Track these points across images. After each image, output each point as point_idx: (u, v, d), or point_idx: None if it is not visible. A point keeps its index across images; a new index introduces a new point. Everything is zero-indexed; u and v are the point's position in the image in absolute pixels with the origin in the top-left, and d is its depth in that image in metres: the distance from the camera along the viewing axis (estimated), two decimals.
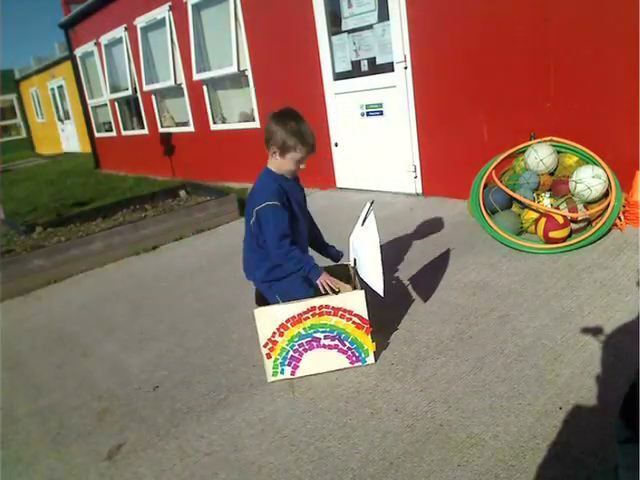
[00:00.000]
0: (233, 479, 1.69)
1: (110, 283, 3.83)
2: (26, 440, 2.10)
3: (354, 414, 1.89)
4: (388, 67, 4.39)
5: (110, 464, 1.87)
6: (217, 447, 1.85)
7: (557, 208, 3.04)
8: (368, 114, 4.72)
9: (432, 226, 3.68)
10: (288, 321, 2.09)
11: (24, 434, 2.14)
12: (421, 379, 2.02)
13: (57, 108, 17.69)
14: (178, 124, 7.96)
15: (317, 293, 2.16)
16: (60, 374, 2.58)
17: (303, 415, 1.93)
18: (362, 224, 2.25)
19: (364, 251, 2.18)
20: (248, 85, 6.11)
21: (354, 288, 2.25)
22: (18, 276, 3.86)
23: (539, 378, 1.90)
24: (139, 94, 8.52)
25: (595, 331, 2.11)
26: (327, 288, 2.12)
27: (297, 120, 2.08)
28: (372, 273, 2.10)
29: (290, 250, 2.10)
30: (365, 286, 2.15)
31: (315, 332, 2.11)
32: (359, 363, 2.17)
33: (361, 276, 2.21)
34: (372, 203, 2.26)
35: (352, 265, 2.34)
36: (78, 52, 10.23)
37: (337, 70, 4.89)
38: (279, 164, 2.14)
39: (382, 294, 2.06)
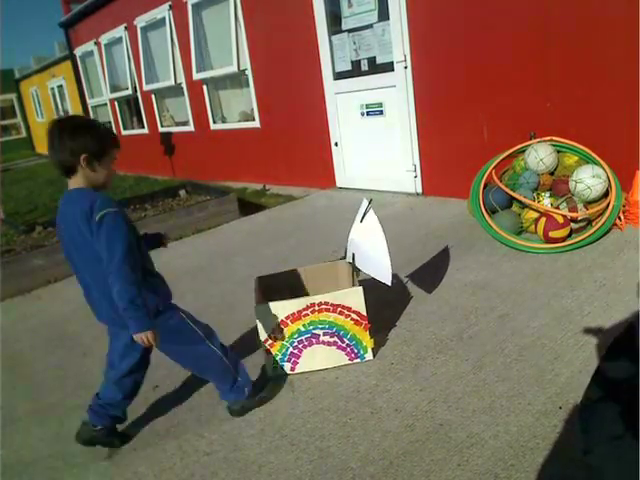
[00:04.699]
0: (233, 479, 1.69)
1: None
2: (26, 440, 2.10)
3: (354, 414, 1.89)
4: (388, 67, 4.38)
5: (110, 464, 1.87)
6: (217, 447, 1.85)
7: (557, 208, 3.04)
8: (368, 114, 4.72)
9: (432, 226, 3.68)
10: (288, 318, 2.10)
11: (24, 434, 2.14)
12: (421, 379, 2.02)
13: (57, 108, 17.66)
14: (178, 124, 7.96)
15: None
16: (60, 374, 2.58)
17: (303, 415, 1.93)
18: (361, 221, 2.26)
19: (367, 245, 2.20)
20: (248, 85, 6.11)
21: (352, 285, 2.26)
22: (18, 276, 3.86)
23: (539, 378, 1.90)
24: (139, 94, 8.52)
25: (595, 331, 2.11)
26: (145, 343, 1.64)
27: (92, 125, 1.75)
28: (378, 265, 2.12)
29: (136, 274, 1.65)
30: (364, 280, 2.15)
31: (314, 329, 2.13)
32: (358, 359, 2.18)
33: (364, 271, 2.22)
34: (370, 201, 2.27)
35: (350, 262, 2.35)
36: (78, 52, 10.22)
37: (337, 70, 4.89)
38: (94, 176, 1.70)
39: (389, 283, 2.08)
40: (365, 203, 2.27)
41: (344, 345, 2.15)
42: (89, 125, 1.74)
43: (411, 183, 4.51)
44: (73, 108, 15.54)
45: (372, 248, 2.17)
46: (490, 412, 1.77)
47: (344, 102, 4.90)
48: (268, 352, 2.15)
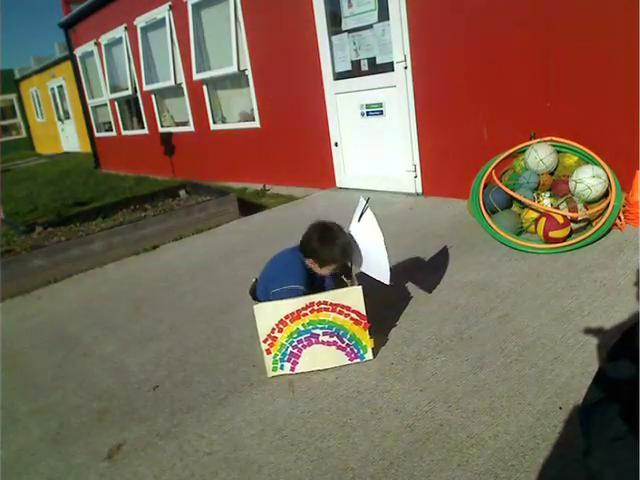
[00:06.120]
0: (233, 479, 1.69)
1: (110, 283, 3.83)
2: (26, 440, 2.10)
3: (354, 414, 1.88)
4: (388, 67, 4.39)
5: (110, 464, 1.87)
6: (217, 447, 1.85)
7: (557, 208, 3.04)
8: (368, 114, 4.72)
9: (432, 226, 3.68)
10: (287, 317, 2.10)
11: (24, 434, 2.14)
12: (421, 379, 2.02)
13: (57, 108, 17.68)
14: (178, 124, 7.96)
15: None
16: (60, 374, 2.58)
17: (303, 415, 1.93)
18: (358, 220, 2.26)
19: (365, 244, 2.20)
20: (248, 85, 6.11)
21: (352, 284, 2.26)
22: (18, 276, 3.85)
23: (539, 378, 1.90)
24: (139, 94, 8.52)
25: (595, 331, 2.11)
26: None
27: (336, 238, 2.15)
28: (376, 264, 2.13)
29: None
30: (363, 280, 2.15)
31: (314, 328, 2.12)
32: (358, 359, 2.18)
33: (362, 270, 2.22)
34: (368, 200, 2.27)
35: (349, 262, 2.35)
36: (78, 52, 10.23)
37: (337, 70, 4.89)
38: (314, 268, 2.21)
39: (388, 282, 2.09)
40: (362, 202, 2.27)
41: (344, 345, 2.15)
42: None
43: (411, 183, 4.51)
44: (73, 108, 15.56)
45: (370, 247, 2.17)
46: (490, 412, 1.77)
47: (344, 102, 4.90)
48: (268, 352, 2.15)
